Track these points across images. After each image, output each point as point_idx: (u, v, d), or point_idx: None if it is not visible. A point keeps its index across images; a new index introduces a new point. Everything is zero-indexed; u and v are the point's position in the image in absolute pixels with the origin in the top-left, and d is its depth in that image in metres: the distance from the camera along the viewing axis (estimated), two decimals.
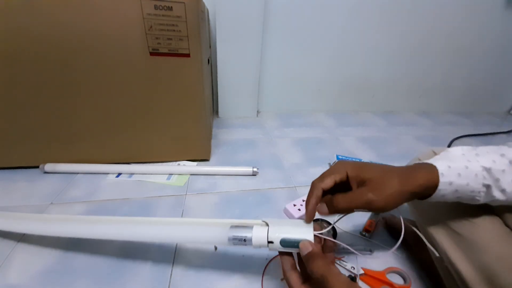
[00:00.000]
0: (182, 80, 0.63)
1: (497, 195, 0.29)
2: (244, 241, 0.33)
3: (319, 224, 0.32)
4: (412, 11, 1.13)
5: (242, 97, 1.13)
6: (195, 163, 0.77)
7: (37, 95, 0.59)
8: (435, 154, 0.40)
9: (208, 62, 0.87)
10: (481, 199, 0.30)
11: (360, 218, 0.58)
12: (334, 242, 0.32)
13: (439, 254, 0.35)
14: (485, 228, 0.33)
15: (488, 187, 0.29)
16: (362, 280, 0.45)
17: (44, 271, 0.43)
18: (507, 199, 0.29)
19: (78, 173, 0.68)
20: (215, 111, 1.18)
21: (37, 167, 0.67)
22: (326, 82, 1.25)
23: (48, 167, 0.66)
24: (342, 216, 0.33)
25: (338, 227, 0.56)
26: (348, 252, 0.49)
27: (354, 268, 0.46)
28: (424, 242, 0.34)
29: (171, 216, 0.57)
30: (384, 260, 0.49)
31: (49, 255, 0.46)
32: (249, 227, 0.33)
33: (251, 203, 0.63)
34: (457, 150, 0.32)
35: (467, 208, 0.35)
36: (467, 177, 0.29)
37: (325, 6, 1.05)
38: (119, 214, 0.56)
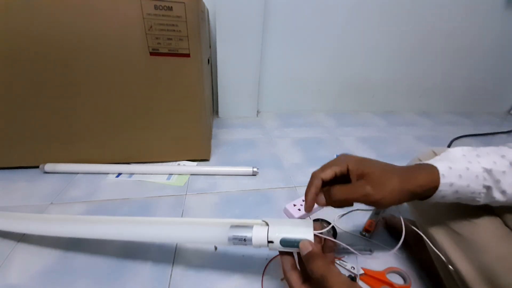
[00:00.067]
0: (182, 80, 0.63)
1: (498, 196, 0.29)
2: (244, 240, 0.32)
3: (319, 224, 0.32)
4: (412, 11, 1.13)
5: (242, 97, 1.13)
6: (195, 163, 0.77)
7: (37, 95, 0.59)
8: (435, 154, 0.40)
9: (208, 62, 0.87)
10: (481, 200, 0.30)
11: (360, 218, 0.58)
12: (334, 242, 0.32)
13: (439, 254, 0.35)
14: (485, 228, 0.33)
15: (488, 188, 0.29)
16: (362, 280, 0.45)
17: (44, 271, 0.43)
18: (507, 200, 0.29)
19: (78, 173, 0.68)
20: (215, 111, 1.18)
21: (37, 167, 0.67)
22: (326, 82, 1.25)
23: (48, 167, 0.66)
24: (343, 215, 0.33)
25: (338, 227, 0.56)
26: (348, 252, 0.49)
27: (354, 268, 0.46)
28: (424, 242, 0.34)
29: (171, 216, 0.57)
30: (384, 260, 0.49)
31: (49, 255, 0.46)
32: (249, 226, 0.33)
33: (251, 203, 0.63)
34: (457, 151, 0.32)
35: (467, 208, 0.35)
36: (467, 178, 0.29)
37: (325, 6, 1.05)
38: (119, 214, 0.56)
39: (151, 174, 0.70)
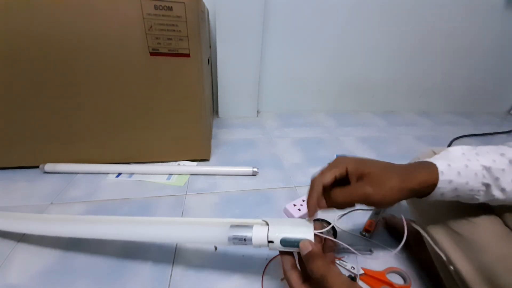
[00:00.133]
0: (182, 80, 0.63)
1: (497, 194, 0.29)
2: (244, 240, 0.32)
3: (319, 223, 0.32)
4: (412, 11, 1.13)
5: (242, 97, 1.13)
6: (195, 163, 0.77)
7: (37, 95, 0.59)
8: (435, 154, 0.40)
9: (208, 62, 0.87)
10: (481, 198, 0.30)
11: (360, 218, 0.58)
12: (334, 241, 0.32)
13: (439, 254, 0.35)
14: (485, 228, 0.33)
15: (487, 186, 0.29)
16: (362, 280, 0.45)
17: (44, 271, 0.43)
18: (507, 198, 0.29)
19: (78, 173, 0.68)
20: (215, 111, 1.18)
21: (37, 167, 0.67)
22: (326, 82, 1.25)
23: (48, 167, 0.66)
24: (343, 216, 0.33)
25: (338, 227, 0.56)
26: (348, 252, 0.49)
27: (354, 268, 0.46)
28: (424, 242, 0.34)
29: (171, 216, 0.57)
30: (384, 260, 0.49)
31: (49, 255, 0.46)
32: (249, 226, 0.33)
33: (251, 203, 0.63)
34: (457, 150, 0.32)
35: (467, 208, 0.35)
36: (466, 176, 0.29)
37: (325, 6, 1.05)
38: (119, 214, 0.56)
39: (151, 174, 0.70)
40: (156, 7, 0.53)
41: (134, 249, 0.48)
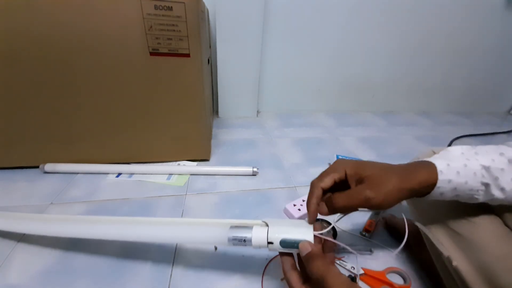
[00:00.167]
0: (182, 80, 0.63)
1: (496, 193, 0.29)
2: (244, 241, 0.32)
3: (319, 224, 0.32)
4: (412, 11, 1.13)
5: (242, 97, 1.13)
6: (195, 163, 0.77)
7: (37, 95, 0.59)
8: (435, 154, 0.40)
9: (208, 62, 0.87)
10: (480, 197, 0.30)
11: (360, 218, 0.58)
12: (334, 242, 0.32)
13: (439, 253, 0.35)
14: (485, 228, 0.33)
15: (487, 185, 0.29)
16: (362, 280, 0.45)
17: (44, 271, 0.43)
18: (506, 197, 0.29)
19: (78, 173, 0.68)
20: (215, 111, 1.18)
21: (37, 167, 0.67)
22: (326, 82, 1.25)
23: (48, 167, 0.66)
24: (343, 216, 0.33)
25: (338, 227, 0.56)
26: (348, 252, 0.49)
27: (354, 268, 0.46)
28: (424, 242, 0.34)
29: (171, 216, 0.57)
30: (384, 260, 0.49)
31: (49, 255, 0.46)
32: (249, 227, 0.33)
33: (251, 203, 0.63)
34: (456, 149, 0.32)
35: (467, 208, 0.35)
36: (466, 175, 0.29)
37: (325, 6, 1.05)
38: (119, 214, 0.56)
39: (151, 174, 0.70)
40: (156, 7, 0.53)
41: (134, 249, 0.48)
